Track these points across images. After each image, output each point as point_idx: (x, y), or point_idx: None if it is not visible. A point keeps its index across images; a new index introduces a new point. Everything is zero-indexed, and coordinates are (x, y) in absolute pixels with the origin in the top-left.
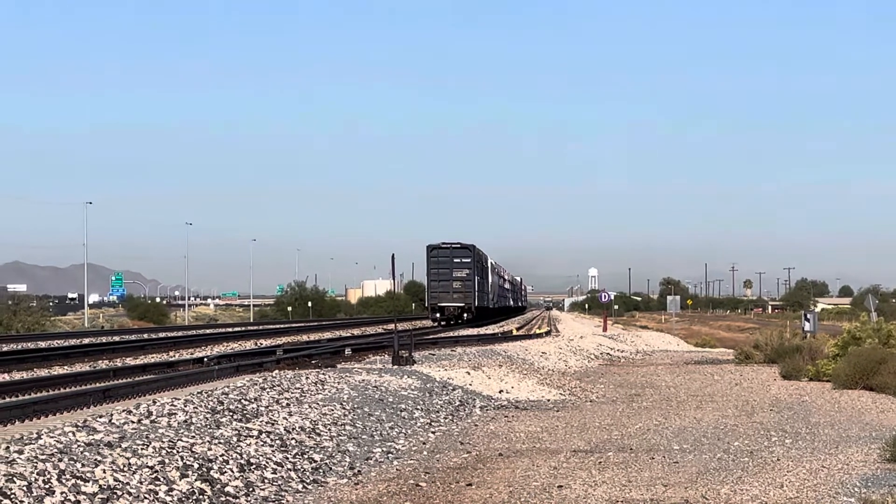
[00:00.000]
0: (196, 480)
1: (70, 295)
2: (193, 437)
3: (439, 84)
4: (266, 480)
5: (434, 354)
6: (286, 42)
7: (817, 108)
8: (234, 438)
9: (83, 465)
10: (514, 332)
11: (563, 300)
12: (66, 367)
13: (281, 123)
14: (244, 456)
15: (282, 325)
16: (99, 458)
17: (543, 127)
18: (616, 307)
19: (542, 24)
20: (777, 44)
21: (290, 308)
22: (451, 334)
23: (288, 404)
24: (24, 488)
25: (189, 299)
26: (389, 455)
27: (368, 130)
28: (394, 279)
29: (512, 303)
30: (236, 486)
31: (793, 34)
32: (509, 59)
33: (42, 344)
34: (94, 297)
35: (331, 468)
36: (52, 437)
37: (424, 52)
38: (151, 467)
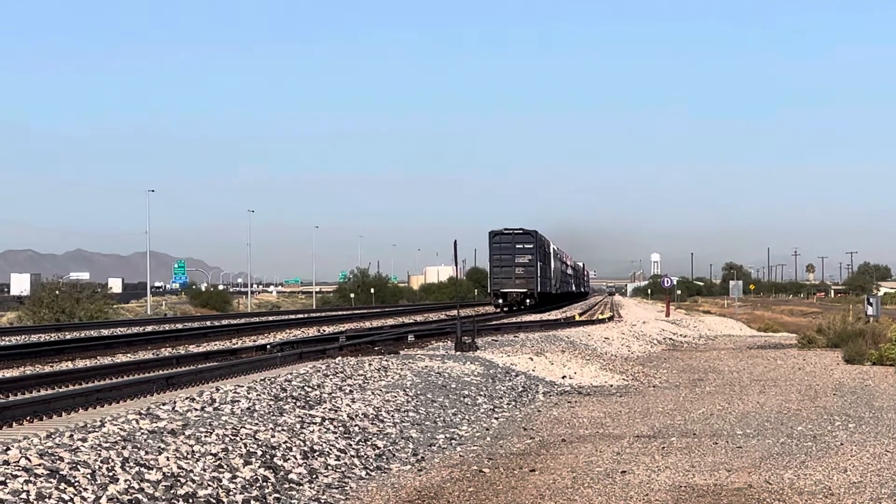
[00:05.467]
0: (259, 467)
1: (156, 284)
2: (257, 424)
3: (500, 68)
4: (329, 467)
5: (497, 340)
6: (346, 30)
7: (871, 90)
8: (298, 425)
9: (147, 453)
10: (577, 318)
11: (626, 285)
12: (129, 355)
13: (343, 111)
14: (307, 443)
15: (344, 312)
16: (162, 445)
17: (603, 113)
18: (678, 292)
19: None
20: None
21: (352, 295)
22: (513, 320)
23: (351, 391)
24: (88, 476)
25: (251, 286)
26: (453, 441)
27: (428, 118)
28: (456, 265)
29: (574, 288)
30: (300, 473)
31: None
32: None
33: (105, 332)
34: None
35: (394, 455)
36: (115, 425)
37: (483, 43)
38: (215, 454)
